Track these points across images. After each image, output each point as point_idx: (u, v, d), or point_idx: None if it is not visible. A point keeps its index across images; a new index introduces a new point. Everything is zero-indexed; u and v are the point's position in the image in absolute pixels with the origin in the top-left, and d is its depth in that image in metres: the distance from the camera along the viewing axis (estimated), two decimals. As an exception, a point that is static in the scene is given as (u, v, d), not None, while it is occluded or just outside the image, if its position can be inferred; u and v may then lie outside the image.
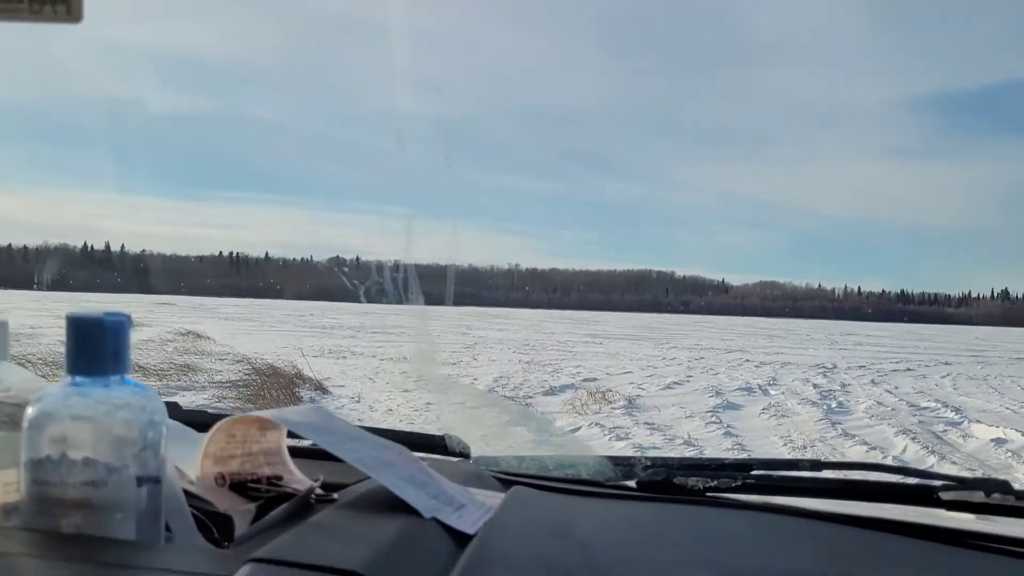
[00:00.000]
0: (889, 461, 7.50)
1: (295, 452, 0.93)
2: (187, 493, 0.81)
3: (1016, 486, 0.99)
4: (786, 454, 7.84)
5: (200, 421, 0.98)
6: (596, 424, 8.89)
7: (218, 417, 0.88)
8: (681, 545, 0.87)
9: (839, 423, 9.65)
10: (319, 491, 0.85)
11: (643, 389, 12.78)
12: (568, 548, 0.80)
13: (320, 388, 10.50)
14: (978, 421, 10.08)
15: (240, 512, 0.81)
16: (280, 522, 0.74)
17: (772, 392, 13.01)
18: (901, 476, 1.13)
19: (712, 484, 1.07)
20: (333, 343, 22.53)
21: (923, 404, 12.03)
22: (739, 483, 1.07)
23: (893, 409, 11.19)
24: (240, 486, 0.86)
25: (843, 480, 1.11)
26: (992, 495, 0.98)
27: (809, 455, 7.74)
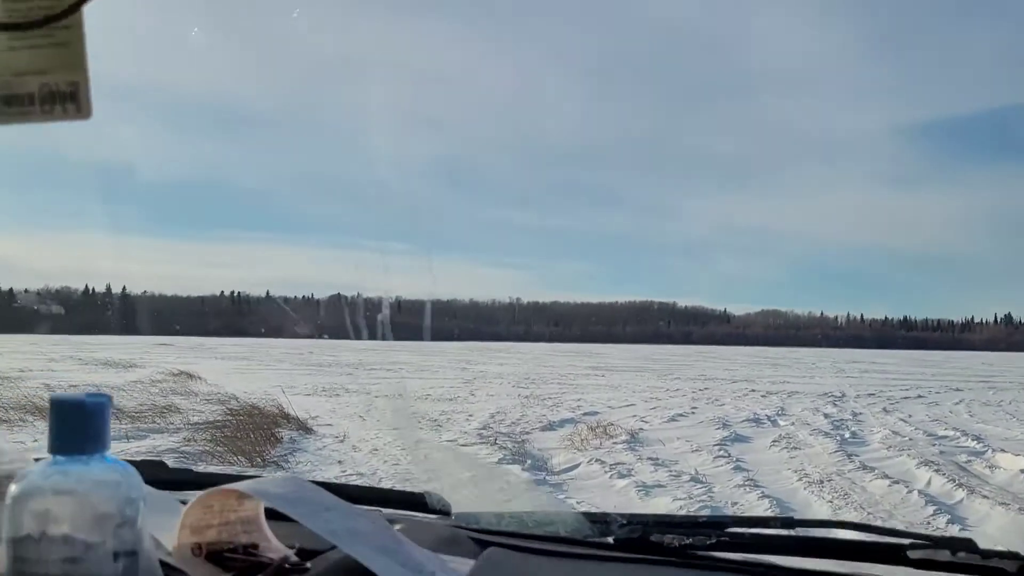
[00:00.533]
0: (913, 494, 6.99)
1: (276, 515, 0.90)
2: (164, 564, 0.79)
3: (981, 545, 1.01)
4: (801, 490, 7.29)
5: (185, 479, 1.04)
6: (596, 460, 8.33)
7: (203, 476, 1.00)
8: None
9: (855, 455, 9.07)
10: (294, 559, 0.88)
11: (646, 422, 12.21)
12: None
13: (303, 428, 9.94)
14: (1002, 450, 9.50)
15: None
16: None
17: (781, 423, 12.44)
18: (873, 535, 1.14)
19: (688, 542, 1.08)
20: (328, 380, 22.00)
21: (941, 433, 11.46)
22: (714, 541, 1.08)
23: (910, 439, 10.62)
24: (216, 555, 0.87)
25: (814, 538, 1.13)
26: (958, 554, 1.00)
27: (827, 491, 7.17)
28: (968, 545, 1.01)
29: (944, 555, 1.01)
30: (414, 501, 1.24)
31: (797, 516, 1.36)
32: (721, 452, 9.13)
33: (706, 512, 5.97)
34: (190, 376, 21.61)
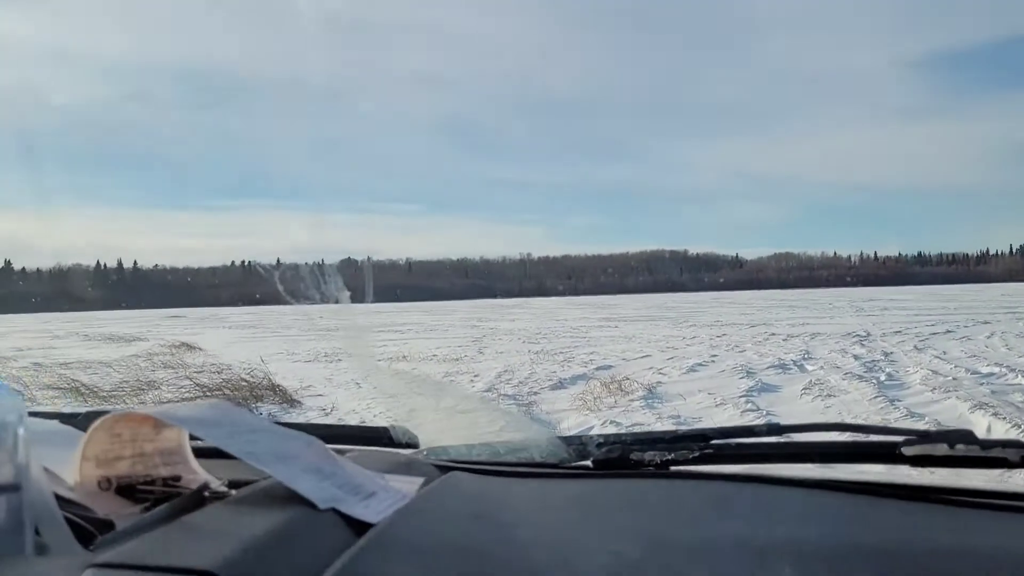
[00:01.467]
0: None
1: (208, 452, 0.86)
2: (65, 500, 0.75)
3: (980, 435, 0.95)
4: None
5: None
6: (611, 422, 7.49)
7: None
8: (619, 519, 0.85)
9: (898, 400, 8.21)
10: (217, 488, 0.82)
11: (664, 374, 11.37)
12: (491, 530, 0.80)
13: (287, 400, 9.15)
14: (1059, 385, 8.64)
15: (124, 516, 0.76)
16: (156, 523, 0.70)
17: (809, 368, 11.57)
18: (863, 434, 1.08)
19: (669, 457, 1.05)
20: (331, 345, 21.32)
21: (984, 370, 10.55)
22: (697, 454, 1.04)
23: (954, 378, 9.73)
24: (128, 489, 0.81)
25: (804, 443, 1.09)
26: (956, 447, 0.96)
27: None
28: (966, 437, 0.96)
29: (941, 449, 0.96)
30: (378, 436, 1.21)
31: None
32: (748, 404, 8.29)
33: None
34: (190, 347, 21.07)
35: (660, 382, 10.42)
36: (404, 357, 15.94)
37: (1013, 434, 6.41)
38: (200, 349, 20.40)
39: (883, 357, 12.71)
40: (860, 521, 0.84)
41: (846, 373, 10.56)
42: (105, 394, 9.59)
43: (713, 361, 13.05)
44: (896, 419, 7.20)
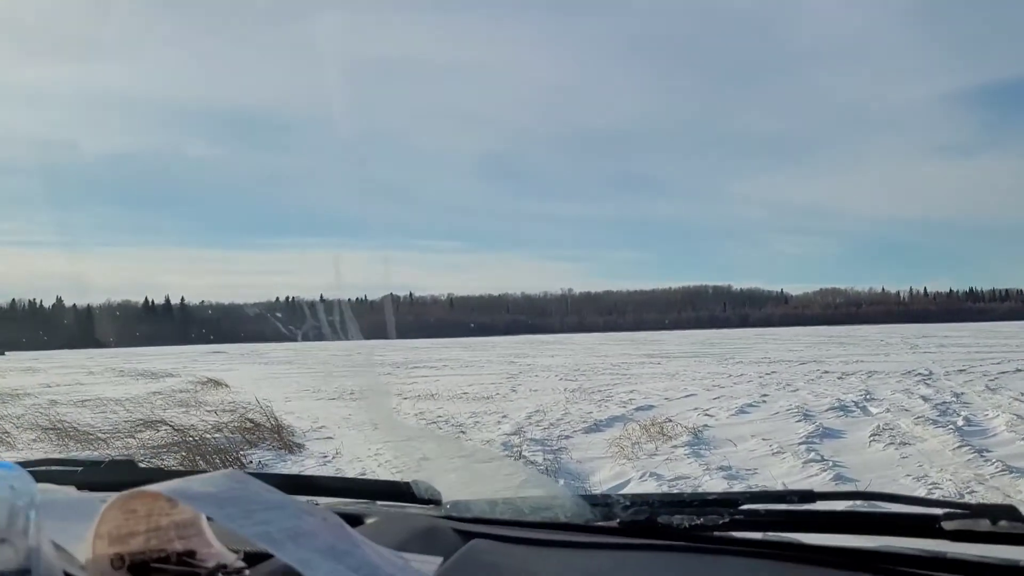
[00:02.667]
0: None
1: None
2: None
3: None
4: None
5: (154, 479, 0.88)
6: (651, 474, 6.49)
7: (176, 475, 0.83)
8: None
9: (987, 450, 7.08)
10: (235, 564, 0.82)
11: (711, 416, 10.31)
12: None
13: (287, 447, 8.26)
14: None
15: None
16: None
17: (873, 410, 10.42)
18: (903, 505, 1.02)
19: (698, 522, 1.01)
20: (360, 382, 20.56)
21: (1077, 414, 9.35)
22: (727, 520, 1.00)
23: (1045, 424, 8.56)
24: (142, 567, 0.79)
25: (839, 512, 1.02)
26: (999, 523, 0.91)
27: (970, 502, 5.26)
28: (1010, 512, 0.91)
29: (983, 524, 0.90)
30: (400, 491, 1.18)
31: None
32: (811, 453, 7.22)
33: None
34: (217, 384, 20.56)
35: (707, 425, 9.37)
36: (432, 395, 15.07)
37: None
38: (226, 386, 19.83)
39: (954, 398, 11.50)
40: None
41: (917, 417, 9.41)
42: (100, 435, 8.81)
43: (764, 401, 11.94)
44: (992, 474, 6.10)
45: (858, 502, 1.14)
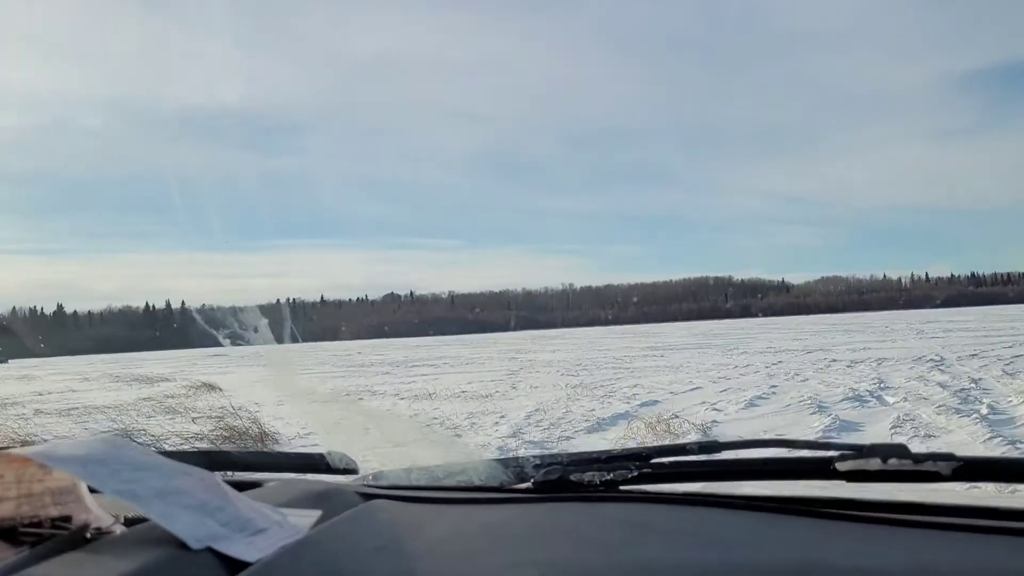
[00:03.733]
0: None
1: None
2: None
3: (913, 450, 0.95)
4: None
5: None
6: (660, 477, 6.03)
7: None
8: (540, 545, 0.84)
9: (1021, 441, 6.60)
10: (112, 528, 0.79)
11: (719, 410, 9.82)
12: (391, 562, 0.77)
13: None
14: None
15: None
16: (18, 568, 0.67)
17: (890, 399, 9.93)
18: (800, 451, 1.08)
19: (608, 477, 1.05)
20: (360, 383, 20.14)
21: (1106, 398, 8.86)
22: (635, 474, 1.04)
23: (1075, 410, 8.07)
24: (10, 532, 0.77)
25: (740, 460, 1.06)
26: (889, 461, 0.95)
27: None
28: (900, 451, 0.95)
29: (875, 464, 0.95)
30: (314, 463, 1.16)
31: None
32: (830, 449, 6.74)
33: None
34: (211, 388, 20.18)
35: (716, 420, 8.88)
36: (430, 395, 14.58)
37: None
38: (220, 389, 19.41)
39: (972, 384, 11.01)
40: (793, 541, 0.82)
41: (938, 406, 8.91)
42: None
43: (774, 393, 11.45)
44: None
45: (759, 450, 1.16)
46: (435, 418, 10.61)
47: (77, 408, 15.04)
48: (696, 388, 13.03)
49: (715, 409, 9.96)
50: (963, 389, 10.45)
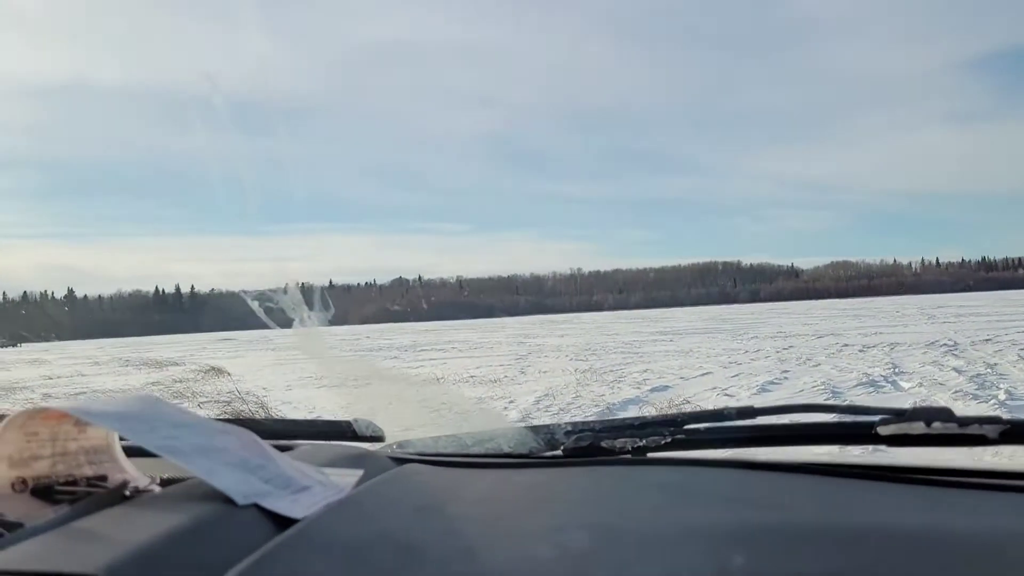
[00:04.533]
0: None
1: (143, 450, 0.76)
2: None
3: (958, 413, 0.92)
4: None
5: None
6: (672, 464, 5.92)
7: None
8: (577, 509, 0.82)
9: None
10: (150, 488, 0.77)
11: (731, 396, 9.71)
12: (432, 522, 0.77)
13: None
14: None
15: (37, 519, 0.68)
16: (59, 524, 0.64)
17: (905, 385, 9.80)
18: (840, 415, 1.04)
19: (640, 443, 1.02)
20: (366, 368, 20.06)
21: None
22: (668, 440, 1.02)
23: (1095, 396, 7.93)
24: (46, 490, 0.76)
25: (778, 426, 1.06)
26: (933, 424, 0.92)
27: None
28: (943, 414, 0.93)
29: (918, 427, 0.92)
30: (341, 431, 1.17)
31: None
32: (845, 436, 6.62)
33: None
34: (219, 373, 20.14)
35: (727, 406, 8.77)
36: (438, 380, 14.51)
37: None
38: (228, 374, 19.39)
39: (988, 370, 10.85)
40: (832, 503, 0.80)
41: (955, 391, 8.77)
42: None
43: (786, 378, 11.32)
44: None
45: (797, 415, 1.11)
46: (443, 403, 10.51)
47: (85, 392, 15.06)
48: (707, 373, 12.91)
49: (726, 394, 9.84)
50: (979, 375, 10.29)
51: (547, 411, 9.13)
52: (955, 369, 11.01)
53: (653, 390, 10.73)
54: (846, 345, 17.44)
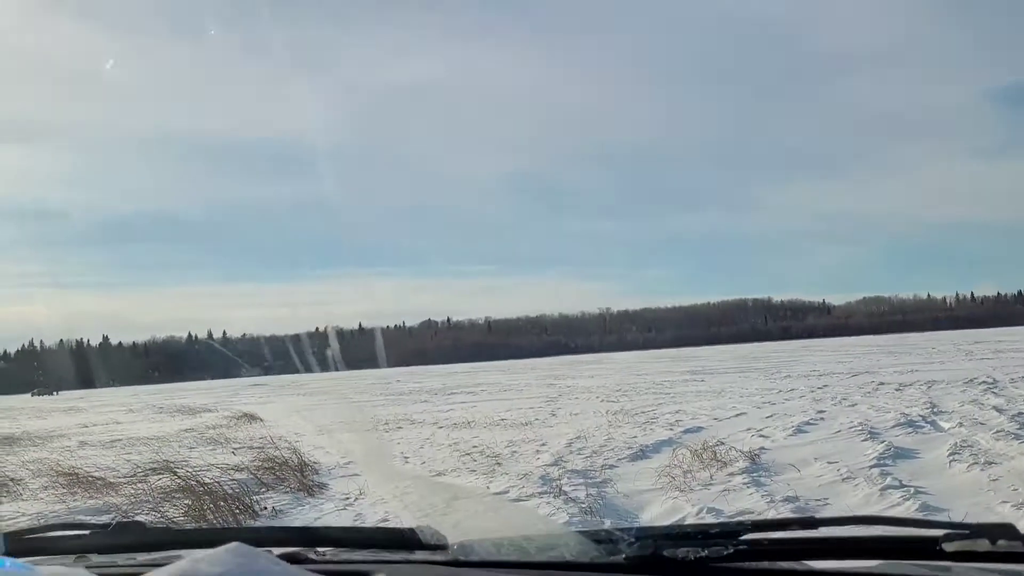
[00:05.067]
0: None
1: None
2: None
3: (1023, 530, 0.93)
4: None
5: (163, 540, 1.10)
6: (708, 509, 5.79)
7: (183, 535, 1.12)
8: None
9: (1090, 469, 6.29)
10: None
11: (766, 437, 9.56)
12: None
13: (306, 489, 7.65)
14: None
15: None
16: None
17: (945, 425, 9.59)
18: (904, 528, 1.05)
19: (703, 554, 1.01)
20: (399, 411, 20.04)
21: None
22: (731, 551, 1.01)
23: None
24: None
25: (841, 538, 1.02)
26: (998, 542, 0.92)
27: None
28: (1008, 532, 0.93)
29: (983, 544, 0.92)
30: (405, 538, 1.19)
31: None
32: (886, 478, 6.46)
33: None
34: (251, 419, 20.26)
35: (763, 448, 8.62)
36: (469, 423, 14.45)
37: None
38: (260, 420, 19.47)
39: (1031, 408, 10.61)
40: None
41: (997, 431, 8.57)
42: (109, 482, 8.28)
43: (822, 419, 11.13)
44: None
45: (860, 526, 1.12)
46: (475, 447, 10.45)
47: (120, 440, 15.15)
48: (740, 414, 12.74)
49: (762, 435, 9.69)
50: (1021, 413, 10.05)
51: (579, 454, 9.04)
52: (996, 408, 10.77)
53: (686, 431, 10.60)
54: (882, 383, 17.16)
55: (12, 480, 8.83)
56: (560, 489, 6.69)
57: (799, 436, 9.53)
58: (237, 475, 8.17)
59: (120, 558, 1.11)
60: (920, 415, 10.57)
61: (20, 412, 35.17)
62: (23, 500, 7.71)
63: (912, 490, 5.96)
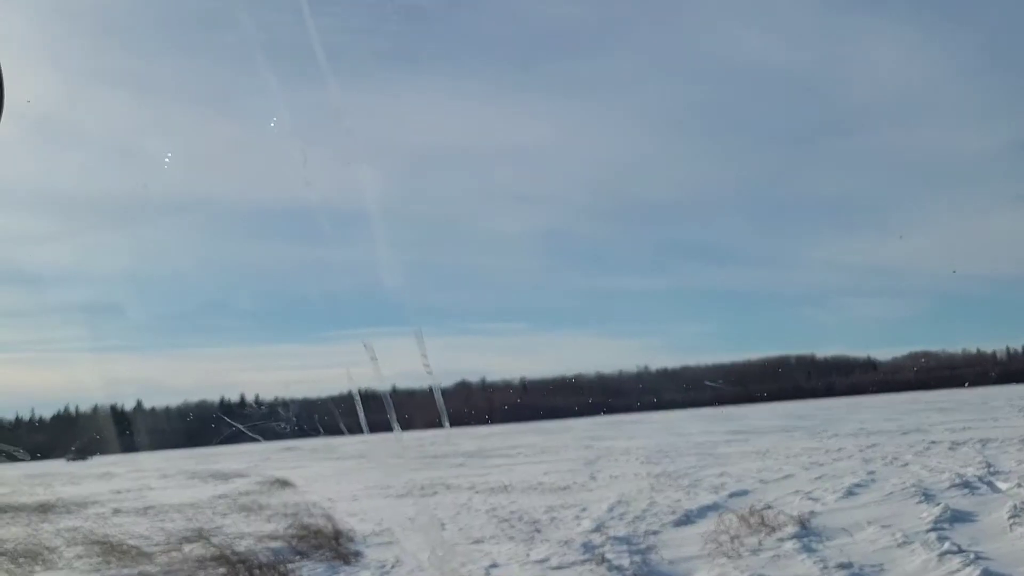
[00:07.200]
0: None
1: None
2: None
3: None
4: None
5: None
6: (759, 578, 5.52)
7: None
8: None
9: None
10: None
11: (816, 500, 9.20)
12: None
13: (342, 557, 7.47)
14: None
15: None
16: None
17: (1002, 486, 9.17)
18: None
19: None
20: (432, 475, 19.77)
21: None
22: None
23: None
24: None
25: None
26: None
27: None
28: None
29: None
30: None
31: None
32: (944, 543, 6.13)
33: None
34: (284, 484, 20.07)
35: (813, 511, 8.28)
36: (506, 487, 14.16)
37: None
38: (293, 485, 19.30)
39: (1094, 467, 10.13)
40: None
41: (1060, 492, 8.17)
42: (143, 552, 8.17)
43: (873, 480, 10.72)
44: None
45: None
46: (513, 512, 10.20)
47: (154, 507, 15.06)
48: (788, 476, 12.33)
49: (811, 498, 9.33)
50: (1084, 472, 9.60)
51: (622, 519, 8.76)
52: (1057, 466, 10.31)
53: (732, 495, 10.25)
54: (934, 442, 16.58)
55: (47, 548, 8.76)
56: (603, 557, 6.44)
57: (850, 499, 9.16)
58: (272, 543, 8.03)
59: None
60: (976, 475, 10.13)
61: (55, 478, 35.37)
62: (58, 569, 7.63)
63: (973, 555, 5.63)
